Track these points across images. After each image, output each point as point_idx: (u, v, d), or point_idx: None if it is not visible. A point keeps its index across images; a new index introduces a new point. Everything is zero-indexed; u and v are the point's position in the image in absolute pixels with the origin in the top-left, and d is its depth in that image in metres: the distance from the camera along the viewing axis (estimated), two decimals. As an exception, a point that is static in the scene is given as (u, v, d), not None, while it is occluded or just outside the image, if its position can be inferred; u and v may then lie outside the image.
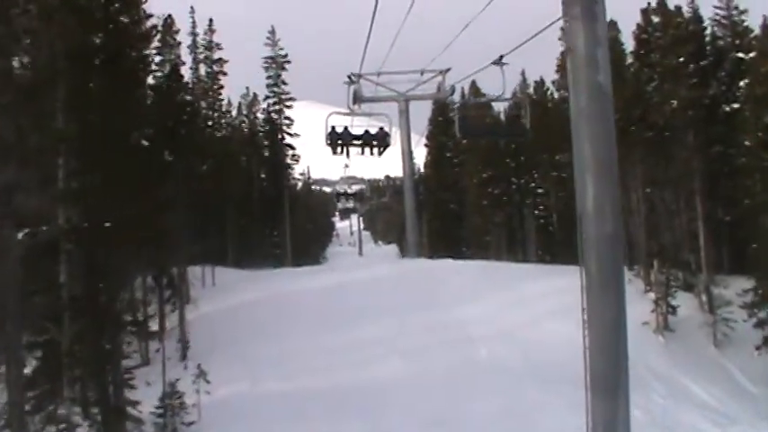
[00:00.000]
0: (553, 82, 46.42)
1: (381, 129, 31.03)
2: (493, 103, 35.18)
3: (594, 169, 7.52)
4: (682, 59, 32.50)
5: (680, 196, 32.92)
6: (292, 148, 60.57)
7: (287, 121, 61.21)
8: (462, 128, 26.28)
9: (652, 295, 33.45)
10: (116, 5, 22.53)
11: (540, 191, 56.98)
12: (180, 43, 43.59)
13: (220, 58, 52.99)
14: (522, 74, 59.56)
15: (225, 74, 52.70)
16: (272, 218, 58.94)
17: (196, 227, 36.25)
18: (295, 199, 62.46)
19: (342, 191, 66.12)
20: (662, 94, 32.51)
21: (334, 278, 36.34)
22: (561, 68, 44.74)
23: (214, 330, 30.27)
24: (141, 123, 25.39)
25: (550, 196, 49.65)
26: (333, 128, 30.39)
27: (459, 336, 28.85)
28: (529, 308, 31.54)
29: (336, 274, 36.60)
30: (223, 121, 53.64)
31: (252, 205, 54.34)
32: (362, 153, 31.64)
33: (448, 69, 42.32)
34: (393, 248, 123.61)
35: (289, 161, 61.68)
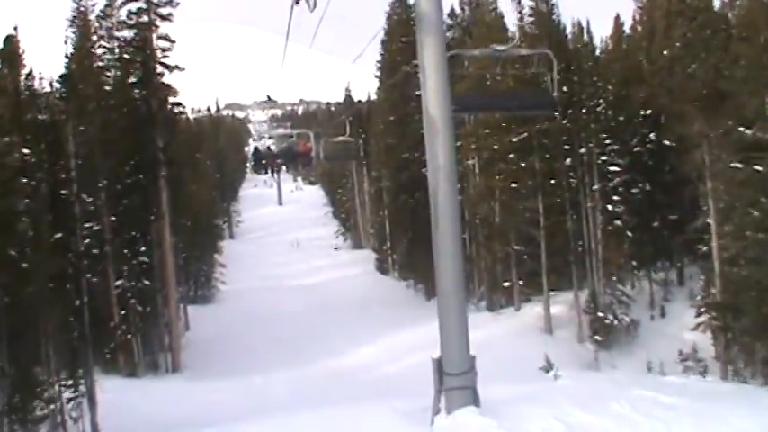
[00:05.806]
0: None
1: (305, 144, 29.70)
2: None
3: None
4: None
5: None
6: (173, 92, 33.87)
7: (164, 44, 34.48)
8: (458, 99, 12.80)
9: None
10: None
11: (614, 169, 33.36)
12: None
13: None
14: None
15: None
16: (142, 221, 33.03)
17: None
18: (179, 178, 36.05)
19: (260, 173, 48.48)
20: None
21: None
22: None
23: None
24: None
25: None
26: (256, 148, 32.42)
27: None
28: None
29: None
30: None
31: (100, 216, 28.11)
32: (287, 170, 32.97)
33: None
34: (318, 193, 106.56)
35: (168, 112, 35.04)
